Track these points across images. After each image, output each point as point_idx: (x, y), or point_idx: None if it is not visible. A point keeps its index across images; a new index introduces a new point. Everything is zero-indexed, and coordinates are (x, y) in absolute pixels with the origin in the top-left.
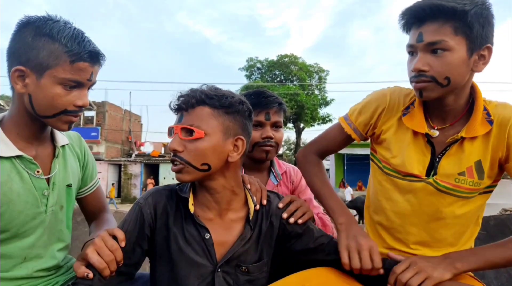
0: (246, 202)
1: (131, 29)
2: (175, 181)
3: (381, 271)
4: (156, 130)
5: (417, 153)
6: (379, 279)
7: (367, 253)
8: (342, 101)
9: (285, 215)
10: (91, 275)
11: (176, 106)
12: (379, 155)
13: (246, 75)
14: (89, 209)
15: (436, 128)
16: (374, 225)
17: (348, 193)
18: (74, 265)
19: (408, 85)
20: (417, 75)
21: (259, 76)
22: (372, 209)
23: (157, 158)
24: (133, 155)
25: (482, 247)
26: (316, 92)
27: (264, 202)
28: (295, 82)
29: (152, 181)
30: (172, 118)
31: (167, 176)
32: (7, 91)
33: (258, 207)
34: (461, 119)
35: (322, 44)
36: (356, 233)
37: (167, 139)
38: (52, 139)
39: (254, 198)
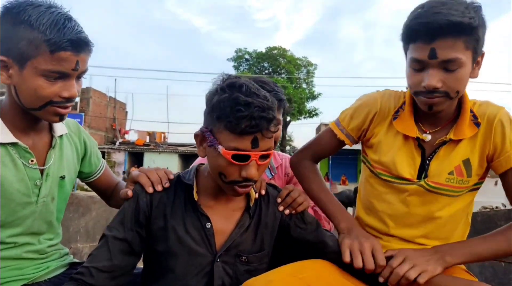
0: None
1: (118, 14)
2: None
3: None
4: (141, 119)
5: (407, 157)
6: (373, 274)
7: (369, 253)
8: (329, 95)
9: (281, 208)
10: (130, 192)
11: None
12: (370, 159)
13: (234, 66)
14: (103, 187)
15: (428, 132)
16: (366, 227)
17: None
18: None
19: (394, 86)
20: (430, 92)
21: (247, 67)
22: (364, 211)
23: (141, 147)
24: (117, 143)
25: (471, 240)
26: (304, 85)
27: (263, 192)
28: (283, 75)
29: (136, 169)
30: (157, 107)
31: (151, 165)
32: None
33: (257, 195)
34: (451, 122)
35: (311, 38)
36: (358, 234)
37: (152, 128)
38: (50, 128)
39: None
